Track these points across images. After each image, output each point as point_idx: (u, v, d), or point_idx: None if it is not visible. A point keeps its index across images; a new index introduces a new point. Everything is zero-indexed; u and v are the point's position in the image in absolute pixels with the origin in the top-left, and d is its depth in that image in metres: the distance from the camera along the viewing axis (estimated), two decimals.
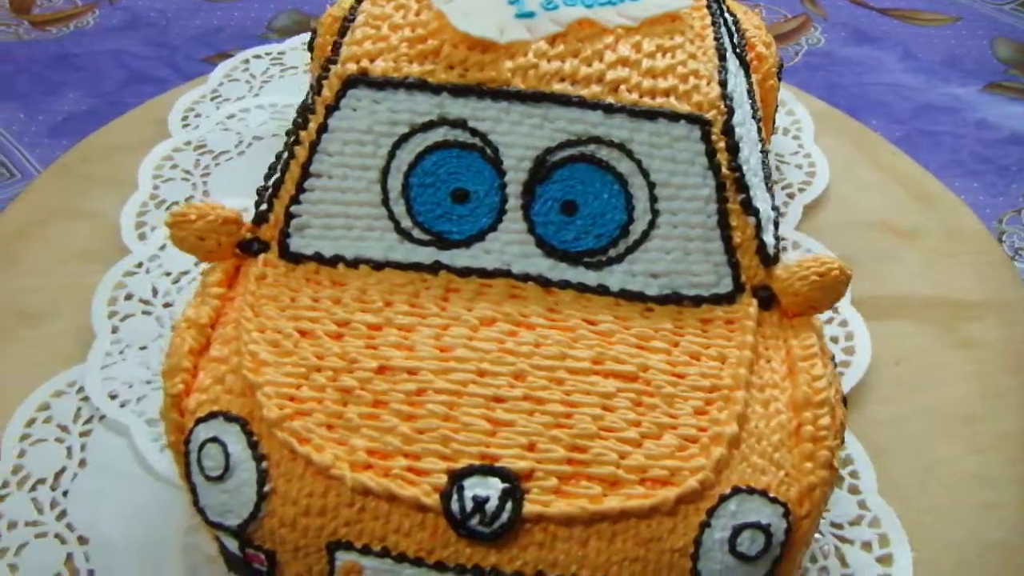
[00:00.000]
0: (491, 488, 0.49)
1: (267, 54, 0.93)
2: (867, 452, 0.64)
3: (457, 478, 0.49)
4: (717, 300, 0.57)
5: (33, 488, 0.60)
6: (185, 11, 1.09)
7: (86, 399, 0.65)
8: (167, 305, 0.70)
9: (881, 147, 0.87)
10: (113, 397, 0.65)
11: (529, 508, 0.49)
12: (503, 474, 0.49)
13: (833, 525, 0.61)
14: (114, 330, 0.69)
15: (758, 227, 0.58)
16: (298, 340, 0.54)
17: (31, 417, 0.64)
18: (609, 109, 0.56)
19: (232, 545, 0.53)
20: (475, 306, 0.56)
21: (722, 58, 0.60)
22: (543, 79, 0.57)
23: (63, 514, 0.59)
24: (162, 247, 0.74)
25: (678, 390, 0.53)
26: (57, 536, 0.58)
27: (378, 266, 0.57)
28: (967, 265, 0.77)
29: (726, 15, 0.68)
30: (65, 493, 0.60)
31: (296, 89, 0.86)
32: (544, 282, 0.57)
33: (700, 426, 0.52)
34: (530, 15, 0.59)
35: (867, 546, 0.60)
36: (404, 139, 0.57)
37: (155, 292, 0.71)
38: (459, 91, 0.57)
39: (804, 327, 0.57)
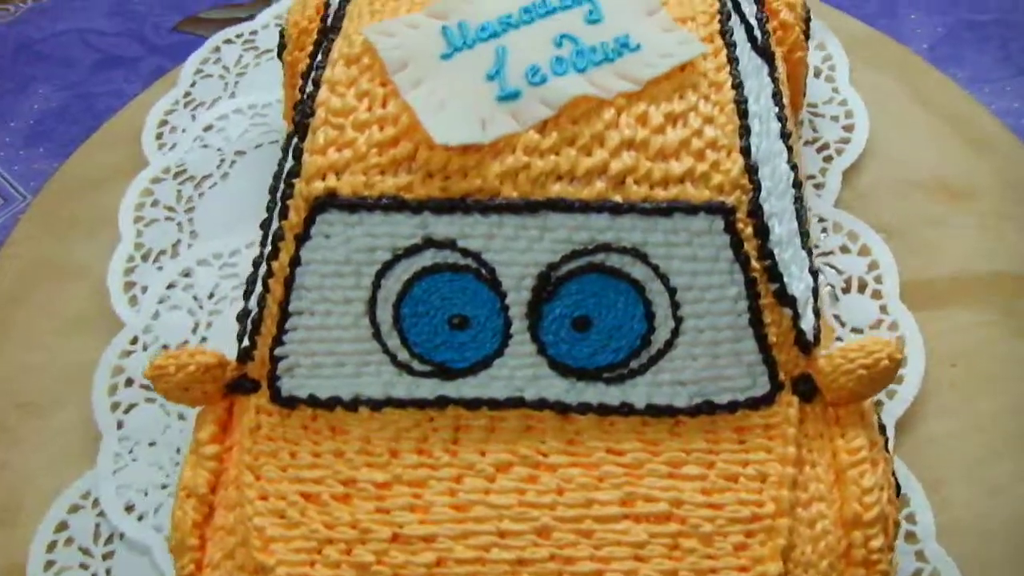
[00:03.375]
0: None
1: (238, 36, 0.84)
2: (923, 485, 0.60)
3: None
4: (754, 404, 0.52)
5: None
6: None
7: (103, 514, 0.62)
8: None
9: (926, 76, 0.78)
10: (130, 509, 0.62)
11: None
12: None
13: None
14: (119, 425, 0.65)
15: (795, 317, 0.51)
16: (304, 507, 0.50)
17: (51, 540, 0.62)
18: (617, 210, 0.49)
19: None
20: (489, 448, 0.51)
21: (743, 114, 0.52)
22: (537, 182, 0.49)
23: None
24: (155, 315, 0.69)
25: (716, 525, 0.49)
26: None
27: (378, 405, 0.52)
28: None
29: (746, 20, 0.59)
30: None
31: (273, 81, 0.78)
32: (561, 408, 0.52)
33: (742, 566, 0.48)
34: (515, 96, 0.51)
35: None
36: (388, 266, 0.51)
37: None
38: (443, 207, 0.50)
39: (852, 422, 0.52)
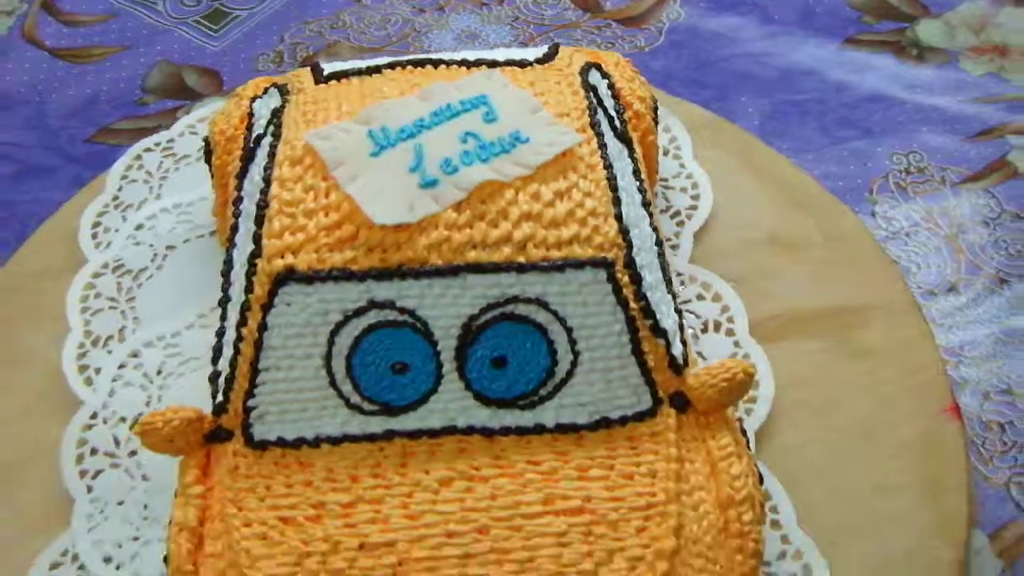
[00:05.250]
0: None
1: (157, 145, 0.94)
2: (782, 484, 0.72)
3: None
4: (640, 417, 0.64)
5: None
6: (55, 81, 1.07)
7: (83, 567, 0.69)
8: (132, 454, 0.75)
9: (757, 151, 0.93)
10: (107, 560, 0.70)
11: None
12: None
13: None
14: (89, 489, 0.73)
15: (667, 345, 0.65)
16: (283, 529, 0.60)
17: None
18: (521, 269, 0.62)
19: None
20: (432, 468, 0.62)
21: (614, 188, 0.65)
22: (457, 250, 0.62)
23: None
24: (110, 392, 0.78)
25: (620, 514, 0.61)
26: None
27: (337, 441, 0.63)
28: (849, 270, 0.84)
29: (608, 113, 0.73)
30: None
31: (194, 182, 0.89)
32: (487, 432, 0.63)
33: (643, 544, 0.60)
34: (433, 183, 0.63)
35: None
36: (339, 326, 0.62)
37: (117, 442, 0.75)
38: (383, 275, 0.61)
39: (719, 426, 0.65)
